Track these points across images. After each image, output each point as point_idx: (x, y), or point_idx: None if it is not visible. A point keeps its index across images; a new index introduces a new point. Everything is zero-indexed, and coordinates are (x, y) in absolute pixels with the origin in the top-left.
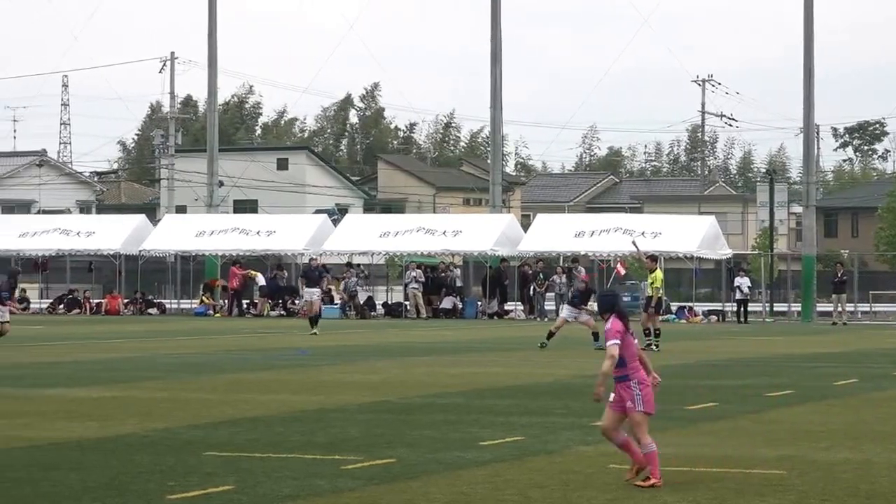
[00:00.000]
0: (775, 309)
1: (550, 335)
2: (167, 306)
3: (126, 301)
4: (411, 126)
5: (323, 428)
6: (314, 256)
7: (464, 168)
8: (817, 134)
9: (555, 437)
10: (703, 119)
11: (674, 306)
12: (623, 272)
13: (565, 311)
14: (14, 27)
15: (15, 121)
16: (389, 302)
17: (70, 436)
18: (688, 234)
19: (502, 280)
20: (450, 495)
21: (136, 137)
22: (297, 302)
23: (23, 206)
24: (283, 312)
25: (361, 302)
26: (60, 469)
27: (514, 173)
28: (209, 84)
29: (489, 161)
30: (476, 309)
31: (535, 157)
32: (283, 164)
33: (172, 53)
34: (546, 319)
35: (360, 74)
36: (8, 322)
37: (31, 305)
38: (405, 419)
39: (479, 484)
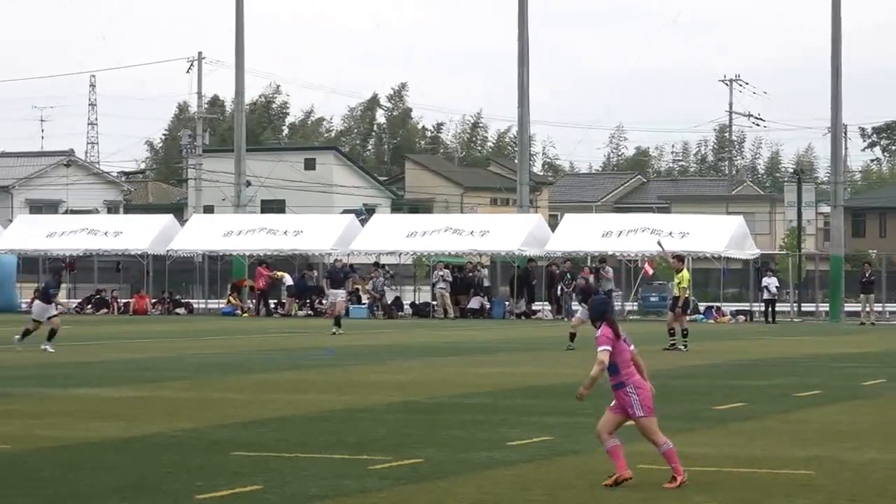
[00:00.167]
0: (803, 309)
1: (573, 336)
2: (195, 306)
3: (154, 301)
4: (438, 126)
5: (351, 428)
6: (339, 257)
7: (491, 168)
8: (845, 134)
9: (583, 437)
10: (730, 119)
11: (701, 306)
12: (651, 272)
13: (580, 310)
14: (41, 28)
15: (42, 121)
16: (417, 302)
17: (98, 436)
18: (715, 234)
19: (530, 280)
20: (477, 495)
21: (163, 137)
22: (323, 302)
23: (50, 206)
24: (310, 312)
25: (389, 302)
26: (89, 469)
27: (541, 173)
28: (237, 84)
29: (516, 161)
30: (504, 309)
31: (563, 157)
32: (310, 164)
33: (200, 53)
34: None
35: (386, 74)
36: (57, 316)
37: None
38: (433, 419)
39: (507, 484)
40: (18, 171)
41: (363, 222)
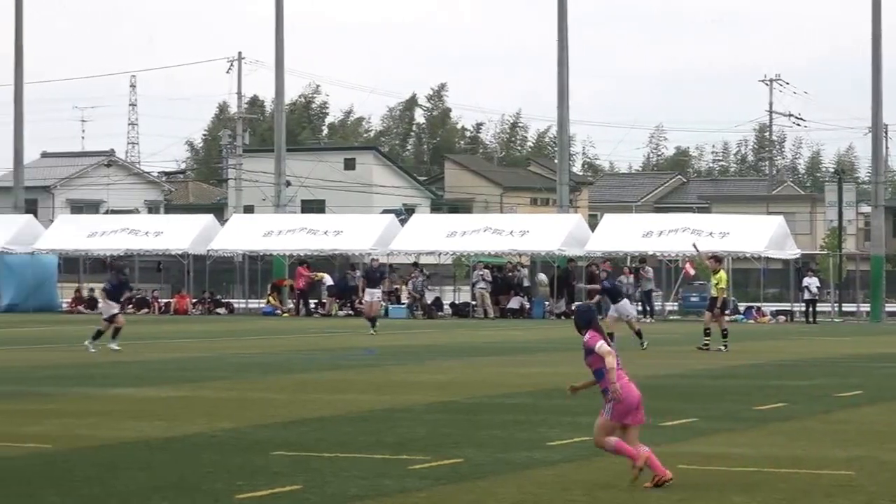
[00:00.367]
0: (844, 309)
1: (611, 336)
2: (235, 306)
3: (194, 301)
4: (478, 126)
5: (390, 428)
6: (375, 257)
7: (531, 168)
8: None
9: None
10: (770, 119)
11: (742, 306)
12: (692, 272)
13: (611, 309)
14: (82, 28)
15: (83, 121)
16: (457, 302)
17: (138, 435)
18: (756, 234)
19: (570, 280)
20: (517, 495)
21: (203, 137)
22: (361, 302)
23: (91, 206)
24: (350, 312)
25: (429, 302)
26: (129, 468)
27: (581, 173)
28: (276, 84)
29: (556, 161)
30: (544, 309)
31: (603, 157)
32: (350, 164)
33: (240, 54)
34: None
35: (426, 74)
36: (119, 314)
37: (99, 305)
38: (473, 419)
39: (547, 484)
40: (60, 171)
41: (403, 222)
